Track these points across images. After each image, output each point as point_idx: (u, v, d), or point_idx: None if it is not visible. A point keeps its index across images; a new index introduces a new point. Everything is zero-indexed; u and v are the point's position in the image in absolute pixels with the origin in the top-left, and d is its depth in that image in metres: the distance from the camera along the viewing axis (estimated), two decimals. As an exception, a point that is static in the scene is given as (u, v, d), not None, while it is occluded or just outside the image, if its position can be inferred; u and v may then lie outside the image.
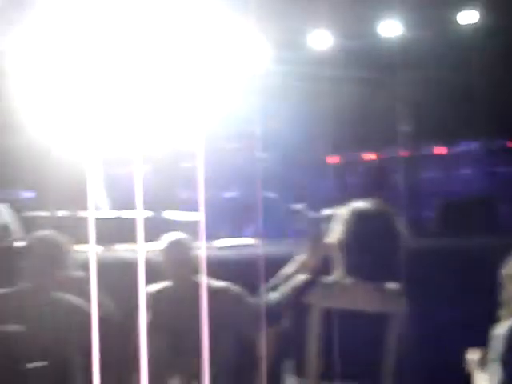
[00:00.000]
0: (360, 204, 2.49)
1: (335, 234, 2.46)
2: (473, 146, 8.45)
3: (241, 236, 5.53)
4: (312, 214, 2.83)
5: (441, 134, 8.05)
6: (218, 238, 5.65)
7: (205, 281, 3.32)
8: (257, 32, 8.09)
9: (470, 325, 3.57)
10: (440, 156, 8.40)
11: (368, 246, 2.43)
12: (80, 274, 3.20)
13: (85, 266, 3.28)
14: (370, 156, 8.52)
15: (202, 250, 3.65)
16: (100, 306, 3.08)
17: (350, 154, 8.72)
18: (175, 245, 3.34)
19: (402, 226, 2.47)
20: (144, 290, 2.48)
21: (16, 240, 4.60)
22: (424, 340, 2.49)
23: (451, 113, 7.74)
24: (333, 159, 8.71)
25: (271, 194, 7.45)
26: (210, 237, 5.54)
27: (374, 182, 7.64)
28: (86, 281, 3.21)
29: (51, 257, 2.97)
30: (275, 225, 6.18)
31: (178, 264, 3.27)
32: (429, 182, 7.86)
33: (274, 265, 3.83)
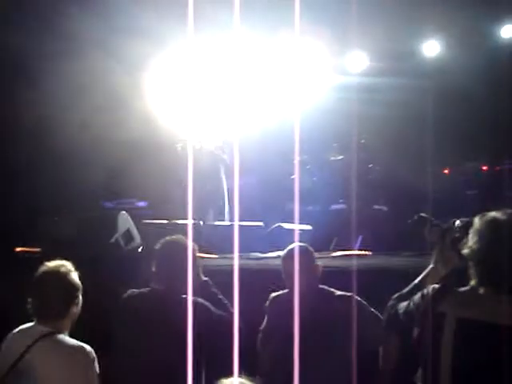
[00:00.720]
0: (494, 214, 2.44)
1: (469, 244, 2.43)
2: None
3: (350, 248, 5.45)
4: (442, 225, 2.79)
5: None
6: (329, 248, 5.62)
7: (326, 289, 3.30)
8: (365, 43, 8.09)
9: None
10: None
11: (502, 256, 2.35)
12: (205, 278, 3.28)
13: (206, 272, 3.36)
14: (485, 167, 8.21)
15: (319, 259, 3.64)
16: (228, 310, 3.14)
17: (467, 166, 8.47)
18: (298, 253, 3.33)
19: None
20: (237, 295, 2.49)
21: (137, 244, 4.79)
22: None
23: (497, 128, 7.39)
24: (449, 171, 8.50)
25: (383, 207, 7.33)
26: (320, 247, 5.51)
27: (491, 194, 7.34)
28: (211, 285, 3.30)
29: (184, 260, 3.05)
30: (386, 237, 6.07)
31: (302, 272, 3.25)
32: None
33: (390, 275, 3.73)
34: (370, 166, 7.74)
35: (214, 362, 3.05)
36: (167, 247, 3.16)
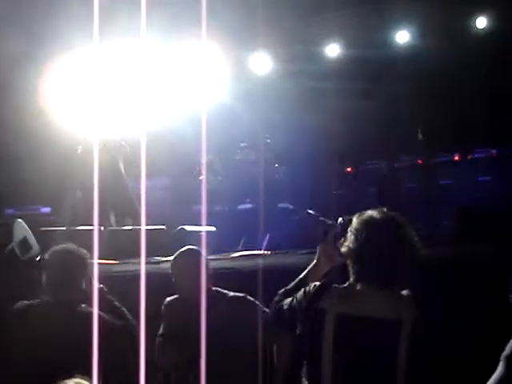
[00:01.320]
0: (370, 213, 2.56)
1: (347, 242, 2.54)
2: (489, 152, 8.42)
3: (256, 247, 5.53)
4: (326, 222, 2.89)
5: (456, 140, 8.05)
6: (234, 249, 5.67)
7: (219, 291, 3.34)
8: (269, 45, 8.21)
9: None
10: (455, 163, 8.36)
11: (377, 254, 2.47)
12: (99, 285, 3.23)
13: (101, 279, 3.33)
14: (384, 164, 8.50)
15: (215, 260, 3.68)
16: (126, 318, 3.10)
17: (366, 164, 8.73)
18: (185, 256, 3.35)
19: (412, 233, 2.50)
20: (144, 301, 2.49)
21: (35, 253, 4.67)
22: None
23: (466, 119, 7.76)
24: (349, 169, 8.74)
25: (288, 205, 7.46)
26: (226, 248, 5.56)
27: (389, 191, 7.62)
28: (106, 292, 3.26)
29: (74, 268, 3.01)
30: (290, 236, 6.19)
31: (189, 275, 3.27)
32: (444, 190, 7.81)
33: (288, 274, 3.83)
34: (276, 165, 7.87)
35: (113, 373, 3.02)
36: (55, 256, 3.11)
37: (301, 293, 2.58)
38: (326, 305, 2.47)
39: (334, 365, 2.44)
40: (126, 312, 3.24)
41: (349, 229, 2.56)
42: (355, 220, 2.57)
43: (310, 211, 2.95)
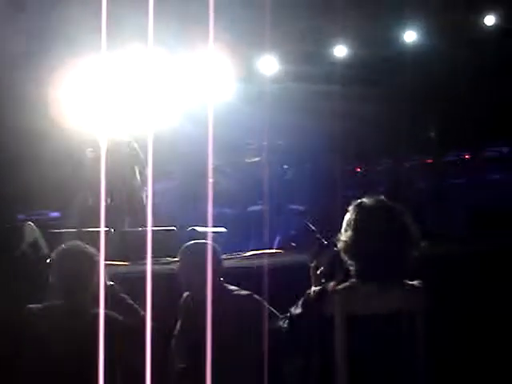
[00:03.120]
0: (364, 200, 2.38)
1: (343, 236, 2.35)
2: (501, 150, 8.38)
3: (265, 248, 5.51)
4: (321, 240, 2.72)
5: (467, 139, 8.01)
6: (244, 250, 5.64)
7: (226, 287, 3.30)
8: (275, 45, 8.20)
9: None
10: (466, 161, 8.31)
11: (378, 246, 2.28)
12: (110, 283, 3.20)
13: (112, 280, 3.30)
14: (395, 164, 8.47)
15: (225, 259, 3.65)
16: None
17: (376, 164, 8.70)
18: (190, 251, 3.30)
19: (411, 221, 2.36)
20: (150, 301, 2.44)
21: (45, 254, 4.66)
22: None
23: (476, 118, 7.71)
24: (358, 169, 8.71)
25: (298, 207, 7.43)
26: (237, 249, 5.53)
27: (400, 191, 7.58)
28: (119, 290, 3.22)
29: (82, 268, 2.93)
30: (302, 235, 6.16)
31: (195, 270, 3.20)
32: (455, 189, 7.77)
33: (299, 273, 3.77)
34: (286, 167, 7.85)
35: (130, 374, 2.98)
36: (62, 256, 3.03)
37: (300, 302, 2.41)
38: (332, 309, 2.31)
39: (351, 369, 2.29)
40: (140, 310, 3.19)
41: (344, 220, 2.38)
42: (351, 209, 2.38)
43: (309, 225, 2.85)
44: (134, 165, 6.05)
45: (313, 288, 2.42)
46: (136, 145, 6.11)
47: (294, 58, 8.40)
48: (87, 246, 3.08)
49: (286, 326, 2.46)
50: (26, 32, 6.25)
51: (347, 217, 2.39)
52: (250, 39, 7.97)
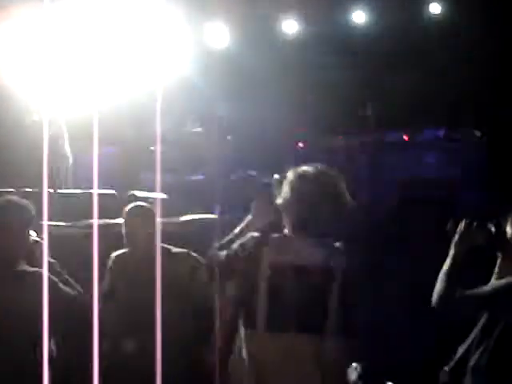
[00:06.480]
0: (304, 168, 2.69)
1: (282, 194, 2.64)
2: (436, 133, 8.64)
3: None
4: (263, 180, 3.00)
5: (405, 120, 8.24)
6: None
7: (164, 246, 3.41)
8: (224, 15, 8.20)
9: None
10: (403, 143, 8.56)
11: (311, 205, 2.59)
12: (52, 260, 3.19)
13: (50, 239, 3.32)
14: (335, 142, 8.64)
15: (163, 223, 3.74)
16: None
17: (316, 140, 8.85)
18: (135, 210, 3.41)
19: (344, 186, 2.63)
20: (96, 262, 2.52)
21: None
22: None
23: (415, 99, 7.95)
24: (301, 145, 8.86)
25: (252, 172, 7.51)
26: (177, 215, 5.61)
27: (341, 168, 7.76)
28: (56, 264, 3.22)
29: (13, 220, 2.92)
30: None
31: (138, 228, 3.33)
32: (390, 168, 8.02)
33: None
34: (229, 137, 7.93)
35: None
36: None
37: (237, 244, 2.67)
38: (262, 254, 2.57)
39: (269, 313, 2.54)
40: (76, 285, 3.13)
41: (284, 182, 2.68)
42: (289, 174, 2.68)
43: (252, 172, 3.05)
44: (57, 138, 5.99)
45: (253, 233, 2.66)
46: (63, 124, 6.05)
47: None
48: (20, 198, 3.05)
49: (223, 254, 2.68)
50: None
51: (288, 179, 2.70)
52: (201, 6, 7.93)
